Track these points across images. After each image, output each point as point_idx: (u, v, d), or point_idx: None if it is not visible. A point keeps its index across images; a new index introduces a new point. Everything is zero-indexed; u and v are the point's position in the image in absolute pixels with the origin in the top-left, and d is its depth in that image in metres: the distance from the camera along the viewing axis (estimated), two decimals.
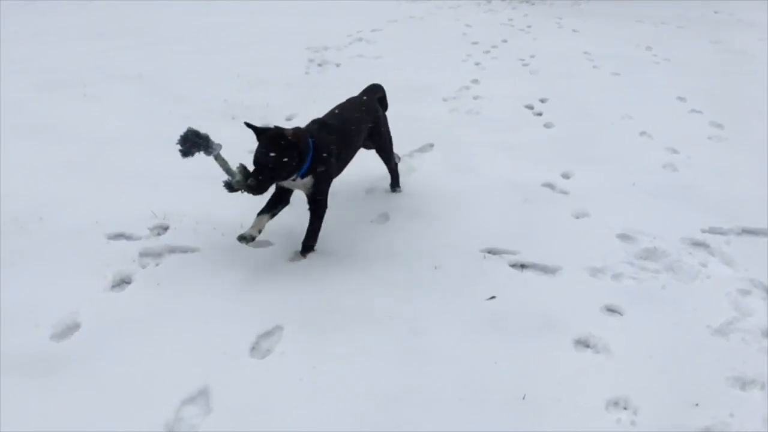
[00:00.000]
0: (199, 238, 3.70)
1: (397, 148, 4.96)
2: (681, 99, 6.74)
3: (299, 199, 3.67)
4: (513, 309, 3.21)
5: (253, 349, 2.91)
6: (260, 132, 3.32)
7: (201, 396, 2.61)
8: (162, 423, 2.46)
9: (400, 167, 4.60)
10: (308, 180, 3.47)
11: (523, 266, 3.60)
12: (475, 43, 9.14)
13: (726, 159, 5.18)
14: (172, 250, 3.62)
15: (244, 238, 3.38)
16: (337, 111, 3.89)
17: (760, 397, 2.72)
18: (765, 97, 6.72)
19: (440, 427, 2.53)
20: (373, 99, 4.20)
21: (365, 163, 4.25)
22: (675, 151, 5.29)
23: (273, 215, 3.56)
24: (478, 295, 3.31)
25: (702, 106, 6.49)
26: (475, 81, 7.22)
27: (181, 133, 3.28)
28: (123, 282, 3.36)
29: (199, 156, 3.32)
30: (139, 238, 3.72)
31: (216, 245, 3.64)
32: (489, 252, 3.72)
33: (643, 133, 5.71)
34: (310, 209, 3.60)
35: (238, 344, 2.90)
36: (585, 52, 8.67)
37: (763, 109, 6.36)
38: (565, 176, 4.76)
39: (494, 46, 8.96)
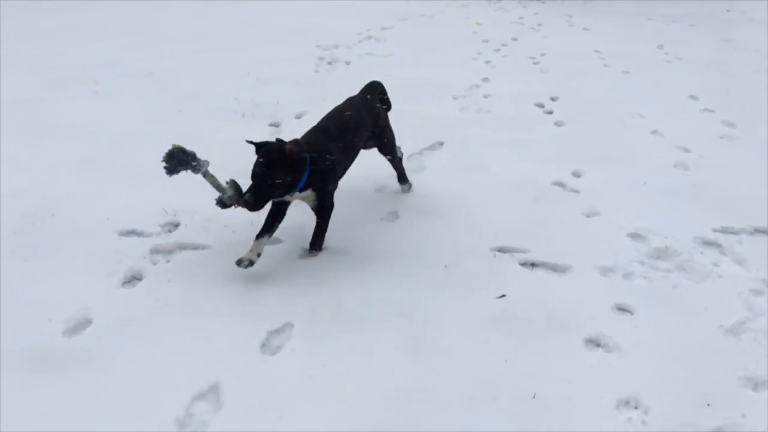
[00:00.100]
0: (209, 236, 3.72)
1: (407, 147, 4.97)
2: (693, 98, 6.70)
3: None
4: (523, 308, 3.21)
5: (263, 345, 2.91)
6: (259, 146, 3.24)
7: (212, 392, 2.62)
8: (173, 419, 2.48)
9: (409, 165, 4.60)
10: (309, 193, 3.43)
11: (533, 265, 3.60)
12: (485, 41, 9.11)
13: (738, 158, 5.15)
14: (183, 247, 3.63)
15: (242, 262, 3.27)
16: (335, 114, 3.82)
17: None
18: None
19: (450, 425, 2.52)
20: (373, 98, 4.12)
21: (374, 161, 4.23)
22: (687, 150, 5.25)
23: (271, 234, 3.47)
24: (488, 294, 3.30)
25: (714, 104, 6.44)
26: (486, 79, 7.20)
27: (167, 150, 3.18)
28: (134, 278, 3.38)
29: (186, 174, 3.24)
30: (150, 235, 3.74)
31: (226, 242, 3.65)
32: (499, 250, 3.71)
33: (654, 132, 5.67)
34: (316, 214, 3.58)
35: (249, 341, 2.91)
36: (596, 51, 8.62)
37: None
38: (576, 175, 4.74)
39: (504, 45, 8.93)
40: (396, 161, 4.30)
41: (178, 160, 3.18)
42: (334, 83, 6.84)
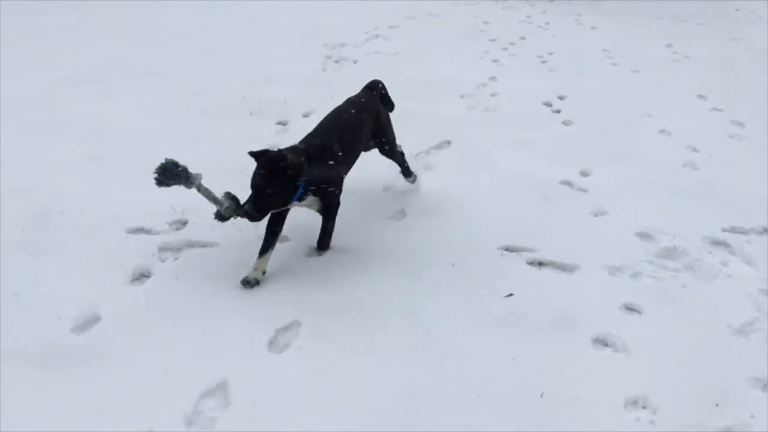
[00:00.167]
0: (217, 234, 3.72)
1: (414, 145, 4.98)
2: (701, 97, 6.67)
3: None
4: (531, 307, 3.20)
5: (271, 343, 2.92)
6: (258, 155, 3.15)
7: (219, 389, 2.63)
8: (181, 416, 2.49)
9: (416, 164, 4.60)
10: (311, 199, 3.37)
11: (541, 264, 3.59)
12: (492, 40, 9.09)
13: (747, 158, 5.12)
14: (191, 245, 3.64)
15: (248, 283, 3.25)
16: (334, 115, 3.75)
17: None
18: None
19: (457, 424, 2.52)
20: (374, 97, 4.03)
21: (382, 160, 4.22)
22: (695, 150, 5.23)
23: (273, 248, 3.39)
24: (495, 293, 3.30)
25: (722, 104, 6.41)
26: (493, 78, 7.19)
27: (160, 163, 3.12)
28: (142, 276, 3.39)
29: (179, 187, 3.20)
30: (158, 233, 3.76)
31: (234, 240, 3.66)
32: (506, 249, 3.70)
33: (662, 131, 5.65)
34: (321, 215, 3.55)
35: (256, 339, 2.92)
36: (604, 50, 8.59)
37: None
38: (584, 174, 4.73)
39: (512, 43, 8.90)
40: (398, 158, 4.23)
41: (171, 173, 3.11)
42: (341, 82, 6.83)
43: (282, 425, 2.49)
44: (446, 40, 9.05)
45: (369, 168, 4.15)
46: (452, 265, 3.53)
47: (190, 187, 3.19)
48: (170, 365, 2.74)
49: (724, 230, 3.95)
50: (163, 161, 3.13)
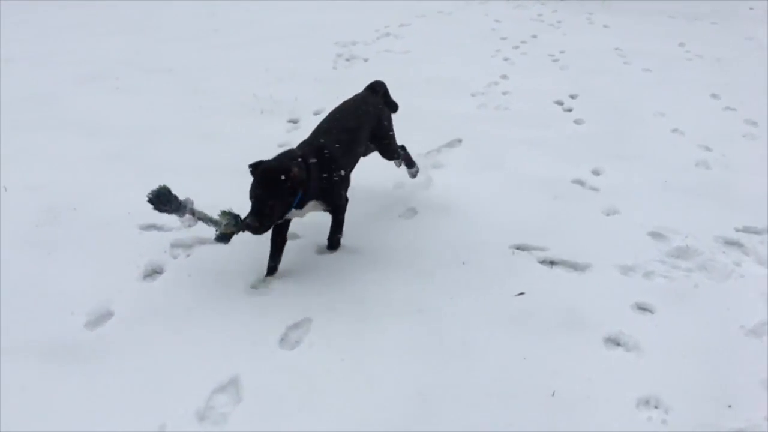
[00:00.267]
0: None
1: (425, 144, 4.98)
2: (714, 96, 6.62)
3: None
4: (542, 305, 3.20)
5: (282, 340, 2.93)
6: (254, 167, 3.08)
7: (231, 385, 2.64)
8: (193, 411, 2.50)
9: (426, 162, 4.61)
10: (312, 204, 3.30)
11: (552, 263, 3.58)
12: (504, 38, 9.06)
13: (760, 157, 5.07)
14: (203, 242, 3.65)
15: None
16: (333, 117, 3.67)
17: None
18: None
19: (468, 422, 2.52)
20: (376, 98, 3.94)
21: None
22: (708, 149, 5.20)
23: (280, 260, 3.38)
24: (506, 291, 3.30)
25: (736, 103, 6.36)
26: (504, 76, 7.17)
27: (155, 188, 3.06)
28: (155, 272, 3.41)
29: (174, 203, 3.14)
30: (170, 230, 3.77)
31: (245, 238, 3.62)
32: (518, 248, 3.70)
33: (675, 131, 5.62)
34: (330, 213, 3.51)
35: (268, 335, 2.93)
36: (616, 48, 8.55)
37: None
38: (596, 173, 4.71)
39: (523, 42, 8.87)
40: (399, 155, 4.14)
41: (164, 198, 3.06)
42: (352, 80, 6.80)
43: (293, 421, 2.50)
44: (457, 39, 9.03)
45: (380, 166, 4.15)
46: (463, 263, 3.52)
47: (182, 215, 3.15)
48: (182, 361, 2.76)
49: (737, 230, 3.93)
50: (157, 187, 3.07)
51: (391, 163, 4.23)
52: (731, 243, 3.81)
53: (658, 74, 7.47)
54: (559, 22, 10.38)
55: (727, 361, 2.88)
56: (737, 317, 3.15)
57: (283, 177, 2.98)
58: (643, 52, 8.40)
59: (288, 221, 3.38)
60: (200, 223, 3.76)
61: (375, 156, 4.01)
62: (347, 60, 7.86)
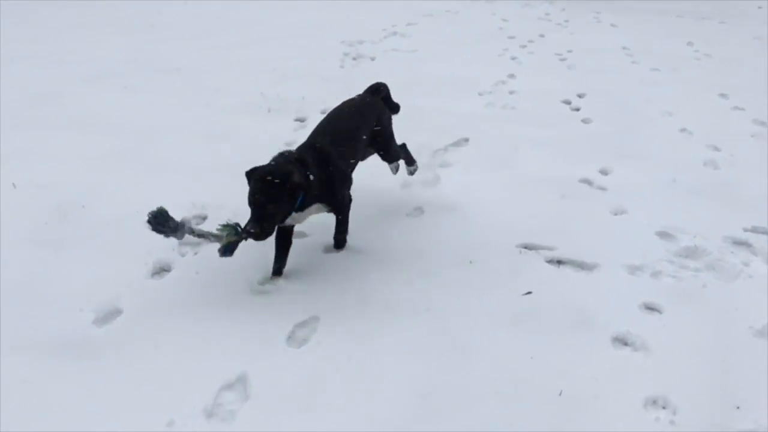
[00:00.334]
0: None
1: (431, 143, 4.98)
2: (723, 96, 6.60)
3: None
4: (549, 305, 3.19)
5: (289, 338, 2.94)
6: (251, 172, 3.02)
7: (239, 382, 2.65)
8: (201, 408, 2.51)
9: (433, 161, 4.62)
10: (317, 207, 3.28)
11: (560, 262, 3.57)
12: (511, 37, 9.05)
13: None
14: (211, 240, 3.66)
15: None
16: (333, 118, 3.61)
17: None
18: None
19: (475, 421, 2.52)
20: (376, 100, 3.86)
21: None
22: (716, 149, 5.18)
23: (285, 264, 3.37)
24: (513, 290, 3.29)
25: (744, 103, 6.34)
26: (512, 75, 7.16)
27: (153, 210, 3.05)
28: (163, 270, 3.42)
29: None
30: None
31: None
32: (525, 247, 3.69)
33: (683, 130, 5.60)
34: (334, 213, 3.48)
35: (275, 333, 2.94)
36: (624, 48, 8.53)
37: None
38: (603, 172, 4.70)
39: (531, 41, 8.86)
40: (398, 156, 4.07)
41: (163, 218, 3.04)
42: (359, 79, 6.81)
43: (300, 419, 2.51)
44: (464, 38, 9.03)
45: (387, 165, 4.14)
46: (470, 262, 3.52)
47: (181, 237, 3.09)
48: (190, 358, 2.77)
49: (745, 230, 3.91)
50: (155, 209, 3.05)
51: (398, 163, 4.22)
52: (739, 243, 3.79)
53: (665, 74, 7.44)
54: (566, 21, 10.36)
55: (736, 362, 2.86)
56: (745, 318, 3.14)
57: (278, 180, 2.92)
58: (651, 51, 8.38)
59: (292, 226, 3.35)
60: (208, 220, 3.83)
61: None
62: (354, 59, 7.87)
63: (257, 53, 7.93)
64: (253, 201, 2.95)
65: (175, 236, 3.08)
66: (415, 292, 3.27)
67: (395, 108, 4.05)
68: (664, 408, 2.61)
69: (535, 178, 4.55)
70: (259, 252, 3.41)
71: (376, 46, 8.47)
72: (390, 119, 3.94)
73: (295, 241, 3.55)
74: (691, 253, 3.66)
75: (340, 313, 3.09)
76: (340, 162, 3.33)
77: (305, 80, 6.76)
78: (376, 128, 3.73)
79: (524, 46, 8.59)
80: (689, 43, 8.85)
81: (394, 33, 9.22)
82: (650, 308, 3.21)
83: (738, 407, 2.62)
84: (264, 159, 3.19)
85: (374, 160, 3.94)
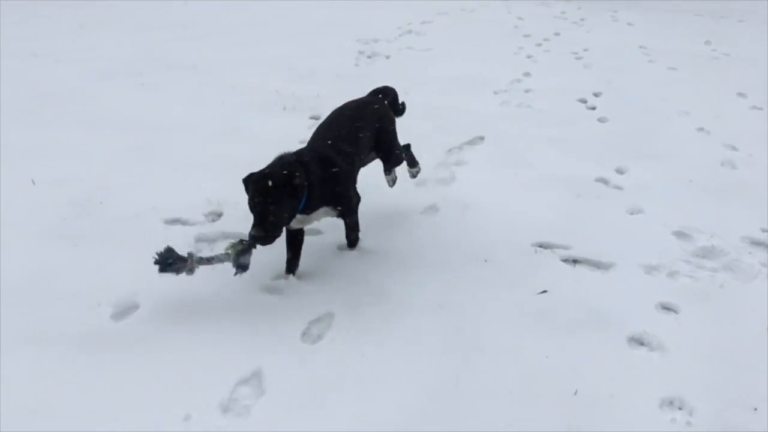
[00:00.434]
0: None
1: (446, 141, 4.97)
2: (741, 95, 6.54)
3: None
4: (565, 304, 3.18)
5: (304, 334, 2.95)
6: (247, 178, 2.99)
7: (254, 378, 2.66)
8: (217, 403, 2.53)
9: (448, 159, 4.61)
10: (323, 210, 3.24)
11: (575, 261, 3.56)
12: (527, 35, 9.02)
13: None
14: (227, 236, 3.67)
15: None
16: (334, 119, 3.55)
17: None
18: None
19: (491, 419, 2.52)
20: (381, 101, 3.79)
21: (417, 153, 4.22)
22: (734, 149, 5.13)
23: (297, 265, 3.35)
24: (528, 289, 3.28)
25: (763, 102, 6.29)
26: (527, 74, 7.14)
27: (159, 251, 2.96)
28: None
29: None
30: (194, 224, 3.81)
31: None
32: (540, 246, 3.68)
33: (700, 129, 5.56)
34: (342, 218, 3.44)
35: (290, 329, 2.95)
36: (641, 46, 8.47)
37: None
38: (620, 172, 4.67)
39: (546, 39, 8.83)
40: (400, 159, 3.94)
41: (169, 256, 2.96)
42: (373, 77, 6.83)
43: (315, 415, 2.52)
44: (479, 36, 9.01)
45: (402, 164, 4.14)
46: (485, 261, 3.52)
47: (191, 272, 3.02)
48: (206, 353, 2.78)
49: (763, 230, 3.88)
50: (160, 250, 2.97)
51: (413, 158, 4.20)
52: (757, 243, 3.76)
53: (683, 72, 7.39)
54: (582, 19, 10.31)
55: (753, 363, 2.84)
56: (763, 319, 3.11)
57: (276, 181, 2.88)
58: (668, 50, 8.31)
59: (300, 230, 3.34)
60: (224, 217, 3.86)
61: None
62: (369, 57, 7.88)
63: (272, 51, 7.96)
64: (253, 205, 2.91)
65: (186, 272, 3.01)
66: (430, 289, 3.27)
67: (400, 111, 3.97)
68: (680, 409, 2.59)
69: (550, 176, 4.53)
70: (273, 252, 3.42)
71: (391, 44, 8.48)
72: (393, 121, 3.83)
73: (309, 240, 3.56)
74: (708, 253, 3.64)
75: (354, 311, 3.09)
76: (341, 162, 3.26)
77: (320, 78, 6.78)
78: (378, 131, 3.63)
79: (540, 45, 8.56)
80: (707, 42, 8.77)
81: (409, 31, 9.22)
82: (667, 308, 3.19)
83: (755, 409, 2.59)
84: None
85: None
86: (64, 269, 3.35)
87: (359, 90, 4.22)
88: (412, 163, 4.09)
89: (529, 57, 7.94)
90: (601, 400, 2.61)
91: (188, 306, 3.10)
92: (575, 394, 2.63)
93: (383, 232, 3.74)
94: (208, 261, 3.03)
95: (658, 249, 3.64)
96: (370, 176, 3.83)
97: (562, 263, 3.54)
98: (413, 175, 4.14)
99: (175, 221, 3.84)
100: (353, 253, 3.58)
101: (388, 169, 3.91)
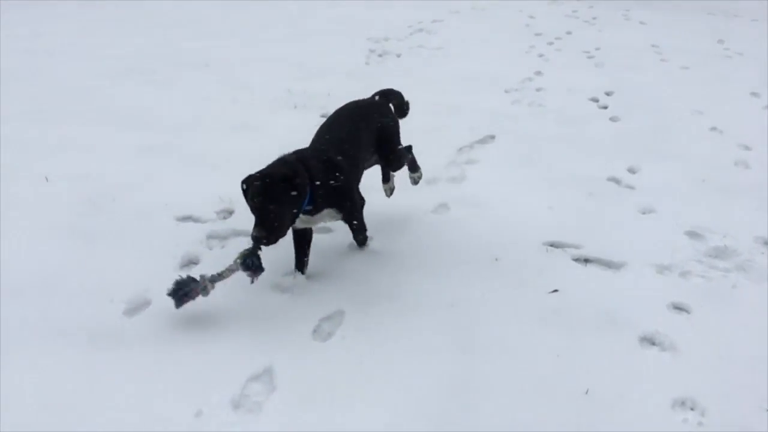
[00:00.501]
0: None
1: (457, 140, 4.97)
2: (755, 94, 6.49)
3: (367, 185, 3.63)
4: (576, 303, 3.17)
5: (314, 332, 2.96)
6: (245, 180, 2.95)
7: (266, 374, 2.67)
8: (228, 399, 2.54)
9: (459, 158, 4.60)
10: (328, 212, 3.20)
11: (586, 261, 3.55)
12: (538, 34, 8.99)
13: None
14: (238, 234, 3.70)
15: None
16: (334, 120, 3.53)
17: None
18: None
19: (501, 418, 2.52)
20: (384, 103, 3.76)
21: (425, 154, 4.19)
22: (747, 148, 5.10)
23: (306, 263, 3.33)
24: (540, 288, 3.28)
25: None
26: (539, 73, 7.12)
27: (171, 287, 2.92)
28: (191, 262, 3.46)
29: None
30: (206, 221, 3.83)
31: None
32: (551, 245, 3.67)
33: (713, 129, 5.52)
34: (347, 222, 3.40)
35: (301, 326, 2.96)
36: (653, 45, 8.42)
37: None
38: (632, 171, 4.65)
39: (558, 38, 8.79)
40: (402, 165, 3.85)
41: (183, 286, 2.92)
42: (384, 75, 6.85)
43: (326, 412, 2.52)
44: (491, 35, 8.99)
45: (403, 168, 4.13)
46: (496, 260, 3.51)
47: (207, 293, 2.97)
48: (218, 349, 2.80)
49: None
50: (171, 286, 2.92)
51: (423, 160, 4.09)
52: None
53: (696, 72, 7.34)
54: (594, 18, 10.26)
55: (765, 364, 2.82)
56: None
57: (273, 180, 2.85)
58: (681, 49, 8.26)
59: (309, 230, 3.32)
60: (235, 215, 3.87)
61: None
62: (380, 56, 7.88)
63: (284, 50, 7.98)
64: (253, 206, 2.88)
65: (202, 294, 2.98)
66: (440, 288, 3.27)
67: (405, 112, 3.88)
68: (692, 409, 2.58)
69: (562, 175, 4.52)
70: (283, 250, 3.43)
71: (402, 42, 8.47)
72: (396, 121, 3.76)
73: (319, 239, 3.57)
74: (720, 253, 3.62)
75: (365, 308, 3.10)
76: (343, 162, 3.21)
77: (331, 77, 6.79)
78: (380, 134, 3.57)
79: (551, 43, 8.53)
80: (720, 41, 8.71)
81: (420, 30, 9.21)
82: (679, 308, 3.18)
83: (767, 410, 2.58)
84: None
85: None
86: (77, 265, 3.38)
87: (370, 88, 4.22)
88: (414, 168, 3.95)
89: (540, 56, 7.92)
90: (613, 399, 2.60)
91: (199, 303, 3.10)
92: (586, 393, 2.62)
93: (394, 231, 3.74)
94: (220, 276, 3.00)
95: (670, 249, 3.63)
96: (378, 175, 3.84)
97: (574, 263, 3.53)
98: (414, 181, 4.00)
99: (187, 218, 3.86)
100: (362, 252, 3.58)
101: (387, 174, 3.88)
